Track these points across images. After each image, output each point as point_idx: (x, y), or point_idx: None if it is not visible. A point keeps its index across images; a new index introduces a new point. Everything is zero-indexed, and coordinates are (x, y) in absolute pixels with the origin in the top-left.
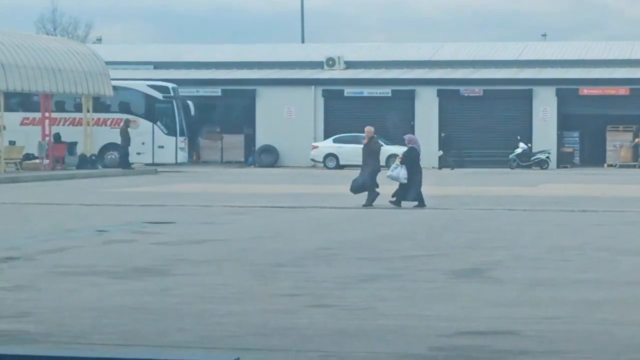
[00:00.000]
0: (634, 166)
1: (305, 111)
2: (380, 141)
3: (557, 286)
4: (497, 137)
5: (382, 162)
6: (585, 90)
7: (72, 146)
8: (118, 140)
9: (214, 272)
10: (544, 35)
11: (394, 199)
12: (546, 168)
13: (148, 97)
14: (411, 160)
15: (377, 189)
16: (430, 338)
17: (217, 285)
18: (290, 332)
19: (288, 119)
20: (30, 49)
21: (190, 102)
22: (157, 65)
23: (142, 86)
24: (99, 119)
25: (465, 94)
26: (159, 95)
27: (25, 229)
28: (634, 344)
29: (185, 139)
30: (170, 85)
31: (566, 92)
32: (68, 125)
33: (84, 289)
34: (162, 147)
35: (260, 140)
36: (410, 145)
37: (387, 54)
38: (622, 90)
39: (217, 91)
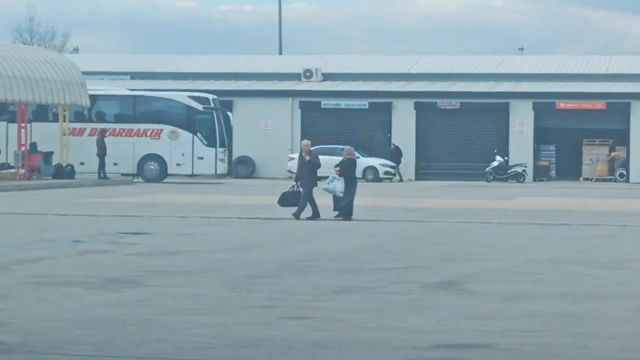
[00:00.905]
0: (610, 180)
1: (282, 122)
2: (357, 153)
3: (533, 299)
4: (474, 150)
5: (359, 175)
6: (562, 104)
7: (48, 156)
8: (158, 151)
9: (189, 283)
10: (521, 48)
11: (337, 212)
12: (522, 181)
13: (188, 108)
14: (350, 171)
15: (309, 203)
16: (406, 350)
17: (193, 297)
18: (265, 343)
19: (265, 130)
20: (6, 57)
21: (230, 113)
22: (134, 76)
23: (182, 97)
24: (139, 130)
25: (442, 107)
26: (199, 106)
27: (0, 239)
28: (610, 358)
29: (225, 150)
30: (210, 96)
31: (543, 106)
32: (108, 135)
33: (60, 299)
34: (202, 158)
35: (237, 152)
36: (349, 157)
37: (364, 66)
38: (599, 104)
39: None
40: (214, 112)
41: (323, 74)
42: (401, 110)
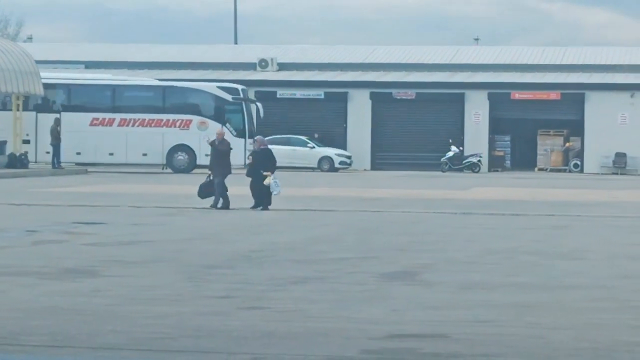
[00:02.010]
0: (565, 170)
1: None
2: (313, 142)
3: (488, 289)
4: (429, 140)
5: (315, 165)
6: (517, 95)
7: (1, 145)
8: (187, 141)
9: (145, 274)
10: (477, 39)
11: (260, 207)
12: (477, 171)
13: (217, 98)
14: (265, 162)
15: (227, 192)
16: (361, 341)
17: (149, 287)
18: (222, 334)
19: None
20: None
21: (259, 104)
22: (89, 65)
23: (211, 88)
24: (168, 120)
25: (398, 97)
26: (228, 97)
27: None
28: (564, 348)
29: (254, 141)
30: (239, 87)
31: (498, 96)
32: (137, 126)
33: (14, 289)
34: (231, 149)
35: None
36: (262, 147)
37: (320, 56)
38: (554, 95)
39: None
40: (243, 103)
41: (279, 64)
42: (357, 100)
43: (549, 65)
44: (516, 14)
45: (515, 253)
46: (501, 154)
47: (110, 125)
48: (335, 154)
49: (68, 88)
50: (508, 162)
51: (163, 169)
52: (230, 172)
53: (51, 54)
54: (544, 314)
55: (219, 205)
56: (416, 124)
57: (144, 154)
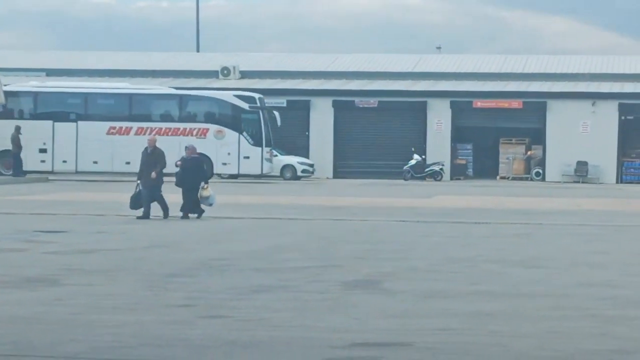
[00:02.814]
0: (527, 179)
1: None
2: (275, 150)
3: (450, 298)
4: (392, 149)
5: (277, 173)
6: (479, 103)
7: None
8: (204, 150)
9: (106, 282)
10: (439, 47)
11: (182, 213)
12: (440, 180)
13: (234, 107)
14: (194, 170)
15: (143, 203)
16: (324, 349)
17: (110, 296)
18: (183, 342)
19: None
20: None
21: (276, 113)
22: (50, 73)
23: (228, 96)
24: (185, 129)
25: (361, 105)
26: (245, 106)
27: None
28: (526, 356)
29: (270, 150)
30: (256, 95)
31: (460, 105)
32: (154, 134)
33: None
34: (248, 157)
35: None
36: (193, 155)
37: (282, 64)
38: (515, 104)
39: None
40: (260, 111)
41: (241, 72)
42: (319, 108)
43: (511, 74)
44: (477, 23)
45: (477, 261)
46: (463, 162)
47: (127, 134)
48: (298, 162)
49: (85, 97)
50: (470, 170)
51: None
52: (162, 181)
53: (12, 62)
54: (506, 322)
55: (136, 214)
56: (379, 133)
57: None
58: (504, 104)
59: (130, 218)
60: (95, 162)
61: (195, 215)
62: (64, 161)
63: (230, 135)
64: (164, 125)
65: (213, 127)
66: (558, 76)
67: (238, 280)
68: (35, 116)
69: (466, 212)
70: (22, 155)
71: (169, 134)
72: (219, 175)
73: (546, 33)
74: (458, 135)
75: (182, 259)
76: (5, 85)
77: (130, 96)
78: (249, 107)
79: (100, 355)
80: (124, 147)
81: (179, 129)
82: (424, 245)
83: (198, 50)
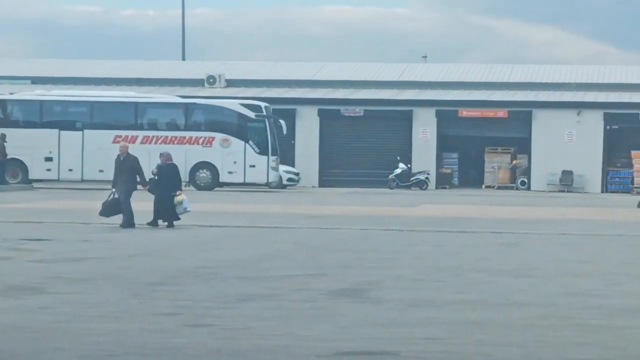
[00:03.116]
0: (512, 188)
1: None
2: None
3: (436, 306)
4: (377, 157)
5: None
6: (464, 112)
7: None
8: (210, 159)
9: (91, 291)
10: (425, 56)
11: (166, 224)
12: (425, 188)
13: (240, 115)
14: (170, 177)
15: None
16: (310, 358)
17: (95, 304)
18: (168, 351)
19: None
20: None
21: (282, 121)
22: (35, 80)
23: (234, 105)
24: (190, 137)
25: (346, 114)
26: (251, 114)
27: None
28: None
29: (277, 158)
30: (262, 104)
31: (446, 114)
32: (160, 143)
33: None
34: (254, 166)
35: None
36: (168, 162)
37: (268, 72)
38: (501, 113)
39: None
40: (266, 120)
41: (226, 80)
42: (305, 117)
43: (497, 83)
44: (464, 32)
45: (463, 270)
46: (449, 171)
47: (133, 142)
48: (284, 171)
49: (91, 105)
50: (456, 179)
51: (186, 186)
52: (135, 189)
53: None
54: (492, 331)
55: (117, 222)
56: (364, 141)
57: None
58: (489, 113)
59: (114, 227)
60: (101, 171)
61: (166, 223)
62: (70, 170)
63: (236, 143)
64: (169, 133)
65: (219, 136)
66: (543, 85)
67: (224, 288)
68: (41, 124)
69: (452, 221)
70: (28, 163)
71: (175, 142)
72: (225, 184)
73: (534, 42)
74: (443, 144)
75: (167, 267)
76: (11, 93)
77: (136, 105)
78: (255, 115)
79: None
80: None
81: (184, 137)
82: (410, 254)
83: (184, 59)
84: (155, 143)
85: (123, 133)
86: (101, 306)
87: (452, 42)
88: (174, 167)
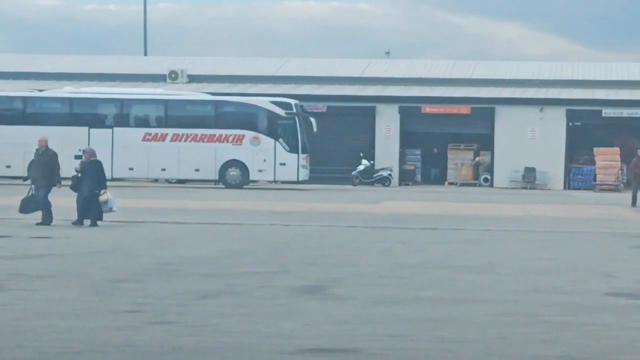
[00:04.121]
0: (475, 184)
1: None
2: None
3: (399, 303)
4: (340, 154)
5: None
6: (427, 108)
7: None
8: (240, 157)
9: (52, 288)
10: (388, 52)
11: (89, 223)
12: (388, 185)
13: (270, 113)
14: (96, 173)
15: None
16: (272, 355)
17: (56, 301)
18: (130, 349)
19: None
20: None
21: (312, 119)
22: None
23: (264, 102)
24: (220, 135)
25: (309, 110)
26: (281, 112)
27: None
28: None
29: (307, 157)
30: (292, 101)
31: (409, 110)
32: (190, 141)
33: None
34: (284, 164)
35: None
36: (92, 159)
37: (231, 68)
38: (464, 109)
39: None
40: (296, 118)
41: (189, 76)
42: None
43: (460, 80)
44: (427, 28)
45: (426, 267)
46: (412, 167)
47: (163, 140)
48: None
49: (120, 103)
50: (418, 176)
51: (215, 184)
52: (54, 185)
53: None
54: (455, 328)
55: (40, 220)
56: (327, 138)
57: (197, 170)
58: (452, 109)
59: (30, 224)
60: (130, 169)
61: (89, 222)
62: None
63: (266, 141)
64: (199, 131)
65: (249, 134)
66: (506, 82)
67: (186, 285)
68: (70, 122)
69: (415, 218)
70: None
71: (205, 140)
72: (255, 182)
73: (498, 39)
74: (407, 141)
75: (128, 264)
76: (40, 90)
77: (165, 102)
78: (285, 113)
79: None
80: (159, 154)
81: (214, 135)
82: (373, 251)
83: (146, 54)
84: (185, 141)
85: (152, 131)
86: (62, 303)
87: (416, 38)
88: (98, 164)
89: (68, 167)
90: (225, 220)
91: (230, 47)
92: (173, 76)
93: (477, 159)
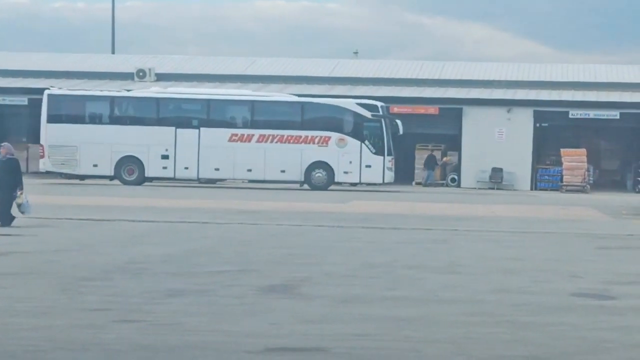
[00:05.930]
0: (442, 185)
1: None
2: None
3: (367, 303)
4: None
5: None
6: (395, 109)
7: None
8: (325, 158)
9: (18, 285)
10: (356, 52)
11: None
12: (356, 185)
13: (357, 115)
14: (12, 171)
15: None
16: (239, 354)
17: (22, 299)
18: (96, 347)
19: None
20: None
21: (398, 121)
22: None
23: (350, 104)
24: (306, 137)
25: None
26: (367, 114)
27: None
28: None
29: (392, 159)
30: (379, 103)
31: None
32: (276, 142)
33: None
34: (370, 166)
35: None
36: (9, 156)
37: (199, 66)
38: (432, 110)
39: (23, 100)
40: (382, 120)
41: (156, 74)
42: None
43: (428, 80)
44: (396, 29)
45: (393, 267)
46: None
47: (249, 141)
48: None
49: (207, 103)
50: None
51: (301, 185)
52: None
53: None
54: (422, 328)
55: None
56: None
57: (282, 171)
58: (420, 109)
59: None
60: (216, 169)
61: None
62: (186, 168)
63: (352, 143)
64: (285, 132)
65: (335, 136)
66: (474, 83)
67: (153, 284)
68: (157, 122)
69: (382, 218)
70: (144, 161)
71: (291, 141)
72: (340, 183)
73: (466, 40)
74: None
75: (95, 262)
76: (128, 90)
77: (252, 103)
78: (372, 115)
79: (14, 359)
80: (245, 155)
81: (300, 136)
82: (340, 250)
83: (114, 52)
84: (271, 142)
85: (239, 132)
86: (29, 301)
87: (384, 38)
88: (14, 162)
89: (155, 166)
90: (190, 219)
91: (198, 46)
92: (141, 74)
93: (444, 159)
